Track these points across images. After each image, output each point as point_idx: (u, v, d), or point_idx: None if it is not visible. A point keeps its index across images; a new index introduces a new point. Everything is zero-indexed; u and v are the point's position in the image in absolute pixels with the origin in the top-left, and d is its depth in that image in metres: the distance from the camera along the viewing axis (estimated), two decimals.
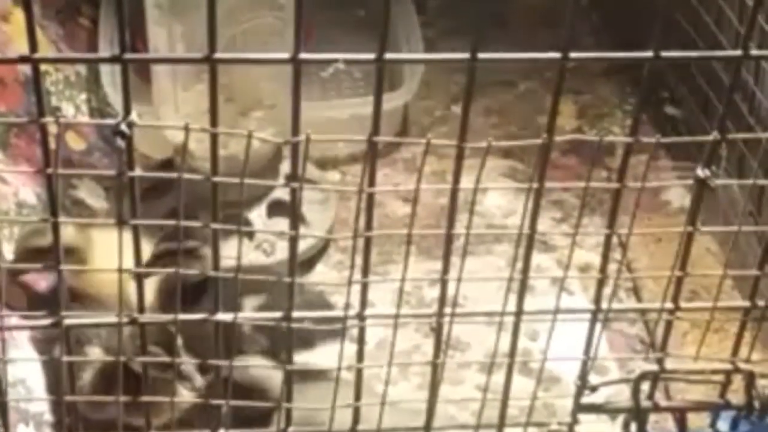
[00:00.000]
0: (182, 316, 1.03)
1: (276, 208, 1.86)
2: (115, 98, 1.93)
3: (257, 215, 1.82)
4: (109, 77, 1.95)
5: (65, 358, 1.03)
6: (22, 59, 0.85)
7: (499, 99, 2.25)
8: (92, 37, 2.13)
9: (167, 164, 1.82)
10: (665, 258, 1.83)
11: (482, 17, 0.87)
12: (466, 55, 0.88)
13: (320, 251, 1.88)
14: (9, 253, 1.48)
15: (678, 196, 2.03)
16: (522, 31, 2.37)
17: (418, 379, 1.62)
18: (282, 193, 1.85)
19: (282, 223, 1.83)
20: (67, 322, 1.00)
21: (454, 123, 2.18)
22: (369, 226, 0.98)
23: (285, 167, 1.87)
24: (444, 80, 2.27)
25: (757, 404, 1.15)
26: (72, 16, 2.15)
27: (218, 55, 0.87)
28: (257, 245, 1.81)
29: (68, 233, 1.39)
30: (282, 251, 1.79)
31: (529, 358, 1.60)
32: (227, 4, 1.40)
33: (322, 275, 1.85)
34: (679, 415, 1.19)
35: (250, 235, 1.80)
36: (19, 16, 1.91)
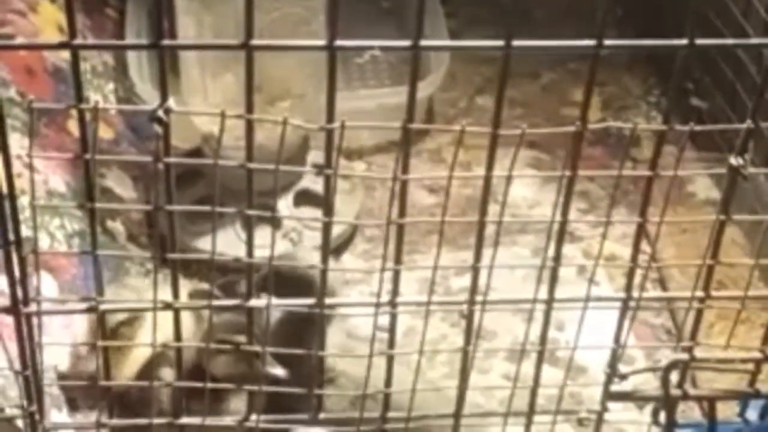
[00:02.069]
0: (216, 303, 1.04)
1: (302, 198, 1.87)
2: (142, 88, 1.94)
3: (284, 205, 1.83)
4: (136, 67, 1.97)
5: (100, 343, 1.04)
6: (62, 45, 0.86)
7: (523, 90, 2.25)
8: (119, 28, 2.14)
9: (195, 154, 1.84)
10: (691, 249, 1.84)
11: (513, 5, 0.87)
12: (500, 43, 0.88)
13: (347, 241, 1.89)
14: (40, 240, 1.49)
15: (703, 187, 2.03)
16: (544, 24, 2.38)
17: (446, 368, 1.63)
18: (308, 183, 1.86)
19: (309, 213, 1.84)
20: (103, 307, 1.01)
21: (479, 114, 2.19)
22: (402, 213, 0.99)
23: (312, 157, 1.88)
24: (468, 71, 2.28)
25: None
26: (98, 6, 2.17)
27: (255, 41, 0.87)
28: (284, 234, 1.82)
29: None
30: (309, 240, 1.80)
31: (556, 347, 1.61)
32: None
33: (348, 265, 1.86)
34: (708, 404, 1.19)
35: (278, 224, 1.80)
36: (47, 7, 1.92)
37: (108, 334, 1.40)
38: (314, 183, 1.85)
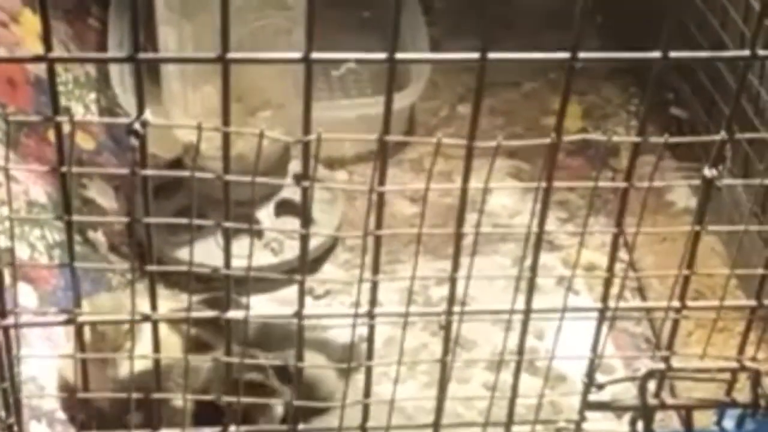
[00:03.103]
0: (195, 314, 1.04)
1: (284, 208, 1.87)
2: (125, 98, 1.94)
3: (265, 215, 1.84)
4: (118, 77, 1.97)
5: (79, 356, 1.04)
6: (38, 59, 0.86)
7: (504, 99, 2.25)
8: (101, 38, 2.14)
9: (176, 164, 1.84)
10: (670, 258, 1.84)
11: (489, 17, 0.88)
12: (476, 55, 0.89)
13: (328, 250, 1.89)
14: (20, 251, 1.49)
15: (682, 196, 2.04)
16: (526, 33, 2.38)
17: (426, 377, 1.63)
18: (290, 193, 1.86)
19: (290, 223, 1.85)
20: (81, 319, 1.01)
21: (460, 123, 2.19)
22: (379, 224, 0.99)
23: (293, 167, 1.88)
24: (450, 81, 2.28)
25: (762, 402, 1.16)
26: (81, 16, 2.17)
27: (231, 54, 0.88)
28: (265, 244, 1.82)
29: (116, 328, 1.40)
30: (290, 250, 1.80)
31: (535, 356, 1.61)
32: (236, 5, 1.42)
33: (330, 275, 1.86)
34: (686, 413, 1.20)
35: (259, 234, 1.81)
36: (29, 17, 1.92)
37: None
38: (295, 193, 1.85)
